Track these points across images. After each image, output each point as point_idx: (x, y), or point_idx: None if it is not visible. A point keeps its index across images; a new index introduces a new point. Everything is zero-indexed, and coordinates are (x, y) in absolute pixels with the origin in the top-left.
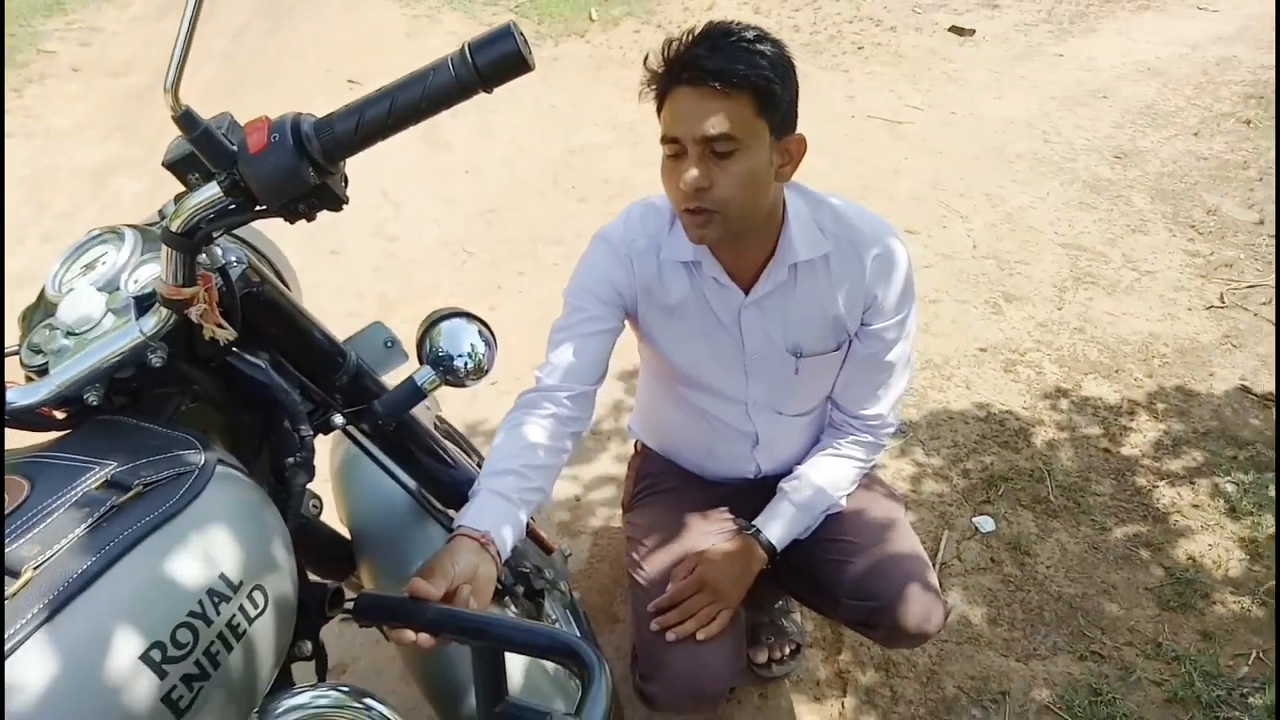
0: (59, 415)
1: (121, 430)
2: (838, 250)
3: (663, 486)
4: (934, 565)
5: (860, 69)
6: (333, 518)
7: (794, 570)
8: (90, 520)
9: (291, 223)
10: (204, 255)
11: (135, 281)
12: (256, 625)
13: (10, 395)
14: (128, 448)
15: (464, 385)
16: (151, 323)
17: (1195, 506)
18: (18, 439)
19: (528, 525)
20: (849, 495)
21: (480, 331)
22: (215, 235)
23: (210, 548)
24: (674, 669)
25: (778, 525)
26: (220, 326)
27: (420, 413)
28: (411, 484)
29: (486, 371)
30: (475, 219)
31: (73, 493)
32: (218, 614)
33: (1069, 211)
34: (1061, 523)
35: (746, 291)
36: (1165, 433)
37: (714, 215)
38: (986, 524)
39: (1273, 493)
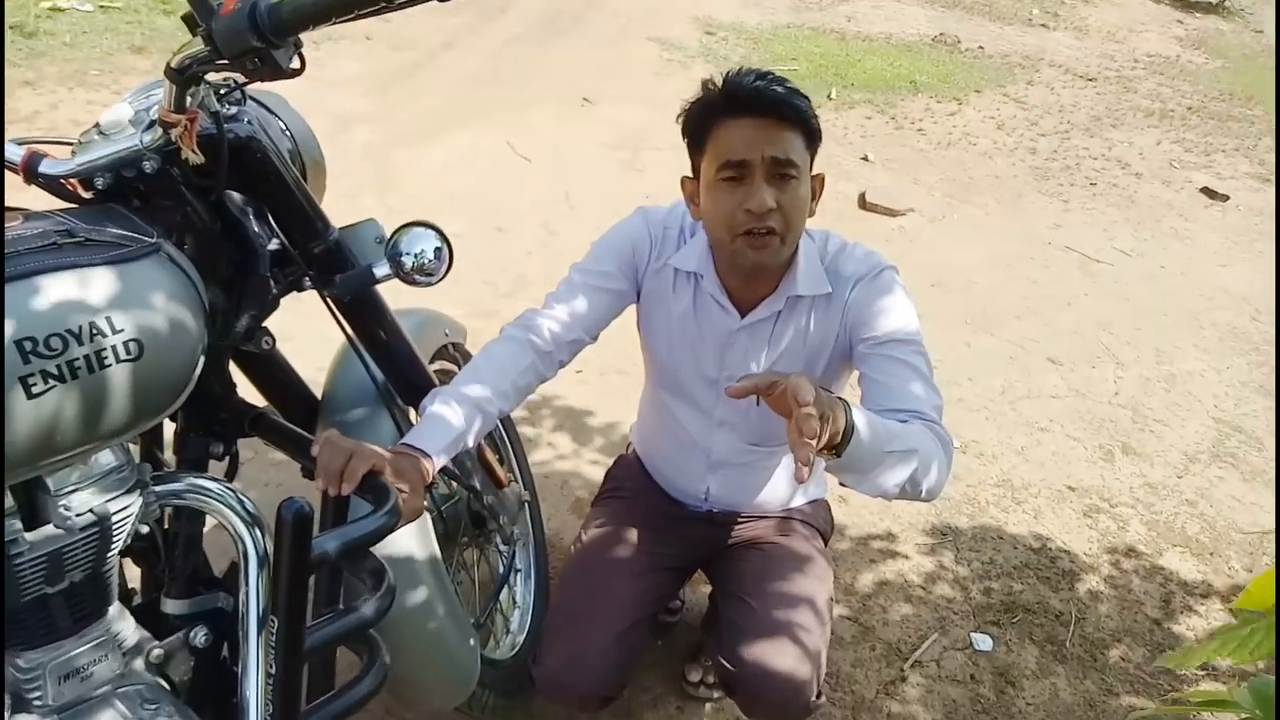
0: (85, 194)
1: (110, 212)
2: (830, 290)
3: (623, 492)
4: (909, 660)
5: (1081, 203)
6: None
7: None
8: (37, 246)
9: (248, 78)
10: (201, 98)
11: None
12: (122, 367)
13: (43, 166)
14: (104, 221)
15: (413, 282)
16: (149, 137)
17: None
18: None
19: (483, 458)
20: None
21: (437, 245)
22: (200, 76)
23: (110, 297)
24: (556, 659)
25: (860, 413)
26: (193, 152)
27: (427, 332)
28: (379, 375)
29: (432, 275)
30: None
31: (40, 228)
32: (90, 341)
33: (1242, 391)
34: (1066, 670)
35: (742, 315)
36: None
37: (775, 237)
38: (983, 642)
39: None
